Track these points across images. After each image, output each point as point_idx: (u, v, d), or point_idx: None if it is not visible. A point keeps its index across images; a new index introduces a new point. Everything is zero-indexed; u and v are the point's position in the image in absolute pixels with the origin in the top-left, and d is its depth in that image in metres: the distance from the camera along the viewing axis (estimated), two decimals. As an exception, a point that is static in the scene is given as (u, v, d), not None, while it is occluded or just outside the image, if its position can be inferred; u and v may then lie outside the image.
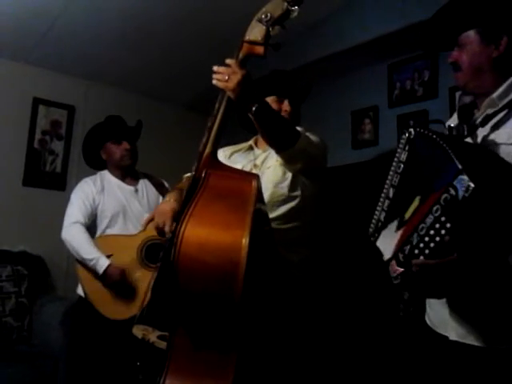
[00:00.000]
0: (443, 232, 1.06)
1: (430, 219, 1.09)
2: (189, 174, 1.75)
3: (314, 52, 3.46)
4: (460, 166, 1.05)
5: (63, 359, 2.87)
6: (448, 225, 1.05)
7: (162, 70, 3.84)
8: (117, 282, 2.46)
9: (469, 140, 1.31)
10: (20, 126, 3.67)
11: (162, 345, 1.35)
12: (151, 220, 1.75)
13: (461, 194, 1.02)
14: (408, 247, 1.16)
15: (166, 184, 2.86)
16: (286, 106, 1.95)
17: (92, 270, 2.48)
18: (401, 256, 1.19)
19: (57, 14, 3.15)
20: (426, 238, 1.10)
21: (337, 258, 3.20)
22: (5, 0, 3.03)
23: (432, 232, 1.08)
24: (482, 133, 1.30)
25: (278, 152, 1.72)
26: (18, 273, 3.26)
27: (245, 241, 1.14)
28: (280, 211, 1.81)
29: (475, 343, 1.24)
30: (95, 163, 2.83)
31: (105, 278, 2.45)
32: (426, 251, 1.10)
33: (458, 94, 2.95)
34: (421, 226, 1.12)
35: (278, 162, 1.84)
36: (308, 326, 1.98)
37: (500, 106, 1.28)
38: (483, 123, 1.29)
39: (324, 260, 2.96)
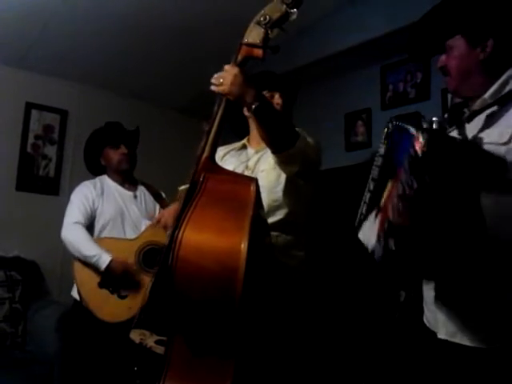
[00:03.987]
0: (412, 193, 1.08)
1: (400, 188, 1.12)
2: (183, 187, 1.71)
3: (307, 54, 3.47)
4: (414, 130, 1.11)
5: (58, 364, 2.85)
6: (415, 185, 1.07)
7: (156, 73, 3.83)
8: (119, 277, 2.44)
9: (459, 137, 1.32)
10: (13, 130, 3.66)
11: (160, 350, 1.34)
12: (159, 221, 1.77)
13: (419, 151, 1.06)
14: (387, 223, 1.16)
15: (163, 194, 2.85)
16: (277, 99, 1.90)
17: (93, 268, 2.46)
18: (382, 235, 1.19)
19: (48, 17, 3.14)
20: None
21: (332, 260, 3.21)
22: (-4, 5, 3.02)
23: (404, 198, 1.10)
24: (471, 131, 1.30)
25: (275, 152, 1.66)
26: (11, 278, 3.24)
27: (243, 245, 1.13)
28: (276, 217, 1.79)
29: (463, 342, 1.25)
30: (96, 169, 2.82)
31: (107, 272, 2.44)
32: None
33: (450, 96, 2.97)
34: (394, 199, 1.14)
35: (270, 166, 1.80)
36: (307, 330, 1.97)
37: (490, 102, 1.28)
38: (469, 119, 1.30)
39: (320, 262, 2.96)
